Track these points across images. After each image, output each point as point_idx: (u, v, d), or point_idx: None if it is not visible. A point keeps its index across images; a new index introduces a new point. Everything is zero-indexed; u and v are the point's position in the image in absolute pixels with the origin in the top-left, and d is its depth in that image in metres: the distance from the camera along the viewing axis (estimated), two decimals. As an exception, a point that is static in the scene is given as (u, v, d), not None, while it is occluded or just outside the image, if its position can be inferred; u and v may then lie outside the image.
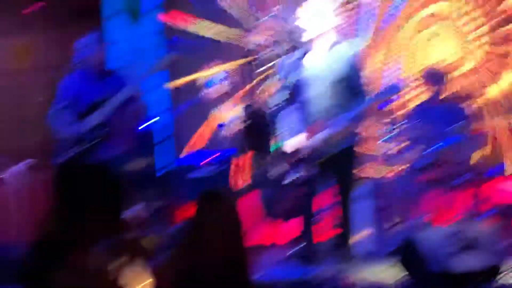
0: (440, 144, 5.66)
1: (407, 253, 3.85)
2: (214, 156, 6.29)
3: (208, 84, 5.87)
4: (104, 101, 4.86)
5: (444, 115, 5.85)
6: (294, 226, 5.01)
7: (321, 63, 4.42)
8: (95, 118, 4.85)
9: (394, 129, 5.61)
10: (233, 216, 2.57)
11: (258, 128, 5.92)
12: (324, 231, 5.40)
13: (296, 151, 4.34)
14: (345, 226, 4.53)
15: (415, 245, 3.74)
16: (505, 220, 5.56)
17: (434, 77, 5.94)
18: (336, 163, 4.39)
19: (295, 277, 4.43)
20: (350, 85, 4.35)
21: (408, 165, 5.80)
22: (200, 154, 6.55)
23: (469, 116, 5.96)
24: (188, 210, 2.41)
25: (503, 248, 4.74)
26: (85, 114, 4.88)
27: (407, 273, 3.86)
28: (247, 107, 6.26)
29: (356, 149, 4.56)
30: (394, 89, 4.19)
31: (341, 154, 4.38)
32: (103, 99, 4.87)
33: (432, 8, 6.83)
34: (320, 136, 4.27)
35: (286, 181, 4.29)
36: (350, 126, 4.29)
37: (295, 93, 4.44)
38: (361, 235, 5.41)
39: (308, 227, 4.52)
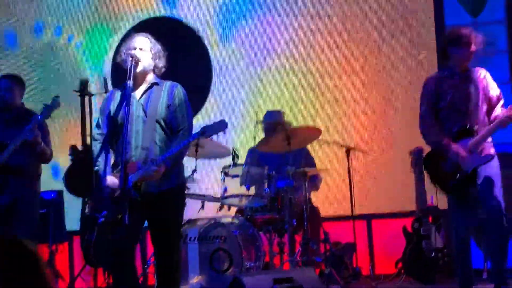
0: (278, 185, 5.64)
1: None
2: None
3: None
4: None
5: (281, 158, 5.87)
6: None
7: (141, 101, 4.26)
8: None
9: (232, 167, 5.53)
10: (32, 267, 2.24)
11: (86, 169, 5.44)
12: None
13: (113, 191, 4.06)
14: (174, 272, 4.30)
15: None
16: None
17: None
18: (158, 205, 4.18)
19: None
20: (169, 124, 4.22)
21: (244, 205, 5.73)
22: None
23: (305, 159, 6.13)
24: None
25: None
26: None
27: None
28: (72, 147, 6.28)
29: (183, 189, 4.45)
30: (222, 126, 4.08)
31: (164, 195, 4.18)
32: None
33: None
34: (134, 177, 4.04)
35: (100, 221, 4.10)
36: (169, 165, 4.09)
37: (112, 129, 4.23)
38: (192, 281, 5.30)
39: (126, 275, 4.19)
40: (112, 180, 4.13)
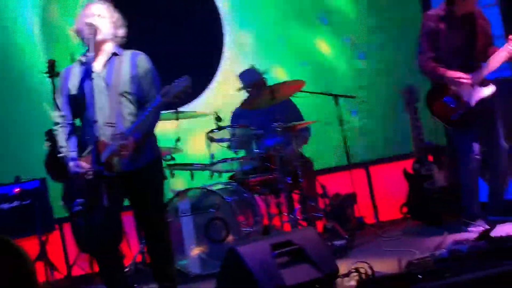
0: (267, 143, 5.41)
1: (229, 270, 3.41)
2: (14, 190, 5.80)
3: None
4: None
5: (266, 115, 5.63)
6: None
7: (101, 74, 3.96)
8: None
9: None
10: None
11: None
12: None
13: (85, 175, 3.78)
14: (165, 248, 4.11)
15: (238, 259, 3.28)
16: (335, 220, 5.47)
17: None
18: (136, 183, 3.96)
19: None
20: (135, 96, 3.95)
21: (235, 170, 5.49)
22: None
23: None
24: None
25: (335, 253, 4.70)
26: None
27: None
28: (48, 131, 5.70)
29: (159, 162, 4.17)
30: (183, 82, 3.74)
31: (141, 171, 3.95)
32: None
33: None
34: (105, 155, 3.77)
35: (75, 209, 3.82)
36: (138, 137, 3.82)
37: (74, 109, 3.94)
38: (189, 254, 5.09)
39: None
40: (81, 164, 3.84)
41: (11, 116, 6.58)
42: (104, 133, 3.86)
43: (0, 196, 5.86)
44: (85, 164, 3.81)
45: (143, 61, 4.01)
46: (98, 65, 3.99)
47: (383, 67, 7.00)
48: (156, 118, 3.94)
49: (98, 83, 3.91)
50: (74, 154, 3.88)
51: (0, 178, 6.08)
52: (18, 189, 5.88)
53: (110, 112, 3.89)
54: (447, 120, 4.89)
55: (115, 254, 4.04)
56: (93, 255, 4.10)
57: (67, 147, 3.92)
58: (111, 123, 3.87)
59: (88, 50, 3.90)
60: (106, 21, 3.99)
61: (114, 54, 4.01)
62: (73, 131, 3.96)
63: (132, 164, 3.91)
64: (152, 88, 3.97)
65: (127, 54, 4.04)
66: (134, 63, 3.98)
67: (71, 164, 3.85)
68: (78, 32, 4.00)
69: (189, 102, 6.52)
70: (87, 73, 3.87)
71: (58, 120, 4.00)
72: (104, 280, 4.08)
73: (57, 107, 4.04)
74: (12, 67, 6.70)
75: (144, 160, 3.97)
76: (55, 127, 4.01)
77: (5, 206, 5.88)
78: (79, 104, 3.92)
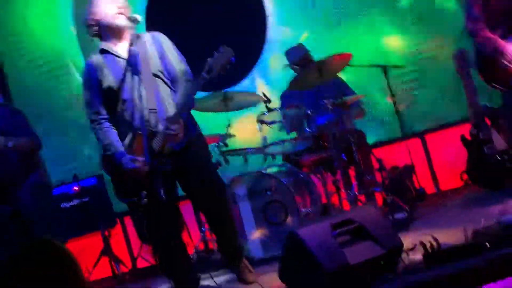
0: (318, 122, 5.29)
1: (291, 253, 3.33)
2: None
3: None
4: None
5: (316, 94, 5.56)
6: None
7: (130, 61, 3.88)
8: None
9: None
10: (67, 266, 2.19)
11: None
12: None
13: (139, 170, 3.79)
14: (229, 230, 4.14)
15: (299, 243, 3.20)
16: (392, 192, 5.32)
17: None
18: (183, 160, 3.88)
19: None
20: (168, 75, 3.88)
21: (288, 151, 5.38)
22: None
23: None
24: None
25: (397, 227, 4.57)
26: None
27: (293, 276, 3.35)
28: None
29: (201, 137, 4.08)
30: (226, 54, 3.65)
31: (186, 148, 3.88)
32: None
33: None
34: (156, 145, 3.72)
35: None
36: (185, 116, 3.78)
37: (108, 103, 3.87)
38: (250, 238, 5.02)
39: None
40: (135, 158, 3.82)
41: (67, 114, 6.69)
42: (148, 120, 3.80)
43: (60, 195, 5.97)
44: (140, 158, 3.79)
45: (165, 38, 3.96)
46: (123, 52, 3.91)
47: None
48: (194, 94, 3.82)
49: (128, 69, 3.84)
50: (122, 149, 3.85)
51: (59, 177, 6.20)
52: (77, 187, 5.97)
53: (149, 97, 3.79)
54: (503, 83, 4.70)
55: (178, 243, 4.04)
56: (156, 247, 4.10)
57: (111, 144, 3.87)
58: (153, 109, 3.80)
59: (109, 39, 3.87)
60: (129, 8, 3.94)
61: (135, 38, 3.91)
62: (111, 125, 3.91)
63: (179, 144, 3.85)
64: (181, 63, 3.91)
65: (147, 35, 3.97)
66: (158, 42, 3.92)
67: (123, 160, 3.83)
68: (110, 23, 3.88)
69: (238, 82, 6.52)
70: (115, 62, 3.83)
71: (94, 117, 3.91)
72: (168, 271, 4.09)
73: (88, 104, 3.94)
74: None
75: (188, 138, 3.90)
76: (92, 125, 3.93)
77: (67, 205, 5.99)
78: (112, 96, 3.85)
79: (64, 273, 2.20)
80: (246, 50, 6.74)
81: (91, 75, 3.90)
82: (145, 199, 3.75)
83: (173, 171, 3.87)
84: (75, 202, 5.98)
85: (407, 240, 3.56)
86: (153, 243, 4.24)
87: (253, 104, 5.60)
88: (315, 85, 5.34)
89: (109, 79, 3.86)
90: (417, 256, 3.37)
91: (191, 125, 3.96)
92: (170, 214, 3.91)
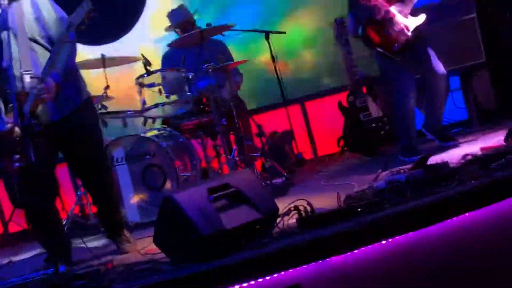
0: (199, 86, 5.24)
1: (167, 218, 3.30)
2: None
3: None
4: None
5: (197, 57, 5.32)
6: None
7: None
8: None
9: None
10: None
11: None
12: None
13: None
14: (108, 195, 4.09)
15: (175, 207, 3.19)
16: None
17: None
18: (67, 132, 3.82)
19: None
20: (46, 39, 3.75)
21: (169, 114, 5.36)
22: None
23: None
24: None
25: (275, 191, 4.69)
26: None
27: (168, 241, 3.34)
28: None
29: (90, 104, 4.01)
30: (84, 6, 3.52)
31: (70, 119, 3.81)
32: None
33: None
34: (27, 106, 3.56)
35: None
36: (58, 78, 3.64)
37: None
38: (127, 203, 4.99)
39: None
40: (5, 120, 3.65)
41: None
42: (24, 82, 3.65)
43: None
44: (8, 120, 3.63)
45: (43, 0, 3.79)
46: (10, 20, 3.73)
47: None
48: (71, 54, 3.73)
49: (4, 32, 3.70)
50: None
51: None
52: None
53: (23, 62, 3.67)
54: (390, 50, 4.84)
55: (50, 209, 3.92)
56: (28, 212, 3.95)
57: None
58: (27, 71, 3.66)
59: None
60: None
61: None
62: None
63: (59, 112, 3.76)
64: (59, 25, 3.75)
65: None
66: (35, 4, 3.76)
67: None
68: None
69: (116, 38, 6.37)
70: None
71: None
72: (40, 237, 3.97)
73: None
74: None
75: (71, 106, 3.82)
76: None
77: None
78: None
79: None
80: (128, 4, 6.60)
81: None
82: (17, 163, 3.58)
83: (56, 137, 3.78)
84: None
85: (284, 205, 3.61)
86: (26, 208, 4.06)
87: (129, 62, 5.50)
88: (196, 45, 5.26)
89: None
90: (292, 221, 3.42)
91: (73, 94, 3.85)
92: (43, 179, 3.76)
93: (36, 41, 3.74)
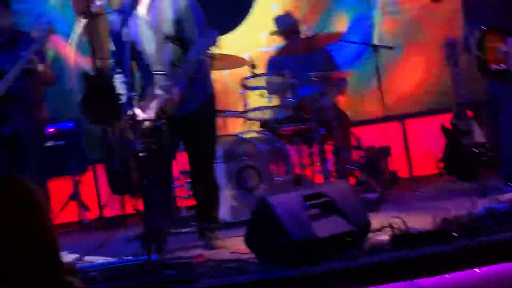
0: (301, 92, 5.23)
1: (259, 220, 3.34)
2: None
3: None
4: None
5: (302, 64, 5.49)
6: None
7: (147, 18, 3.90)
8: None
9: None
10: (30, 204, 2.10)
11: (104, 96, 5.44)
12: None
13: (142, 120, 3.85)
14: (211, 192, 4.20)
15: (268, 210, 3.21)
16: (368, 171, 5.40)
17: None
18: (189, 127, 4.00)
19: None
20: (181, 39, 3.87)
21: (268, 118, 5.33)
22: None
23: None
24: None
25: (367, 206, 4.49)
26: None
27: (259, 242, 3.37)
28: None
29: (211, 103, 4.13)
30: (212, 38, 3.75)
31: (193, 116, 3.97)
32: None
33: None
34: (153, 107, 3.78)
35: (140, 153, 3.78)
36: (183, 87, 3.80)
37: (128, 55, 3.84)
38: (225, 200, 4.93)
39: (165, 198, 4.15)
40: (136, 111, 3.86)
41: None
42: (156, 82, 3.87)
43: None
44: (139, 112, 3.84)
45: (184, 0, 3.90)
46: (142, 9, 3.92)
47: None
48: (202, 61, 3.91)
49: (144, 28, 3.88)
50: (133, 101, 3.90)
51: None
52: (53, 129, 5.88)
53: (159, 60, 3.87)
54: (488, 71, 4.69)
55: (167, 197, 4.19)
56: (145, 198, 4.12)
57: (125, 94, 3.90)
58: (160, 71, 3.87)
59: None
60: None
61: None
62: (129, 78, 3.91)
63: (185, 109, 3.91)
64: (195, 29, 3.88)
65: None
66: (175, 5, 3.88)
67: (132, 110, 3.86)
68: None
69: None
70: (134, 19, 3.86)
71: (114, 66, 4.02)
72: (148, 221, 4.09)
73: (113, 53, 4.09)
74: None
75: (196, 105, 3.98)
76: (113, 74, 4.00)
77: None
78: (133, 51, 3.89)
79: (25, 211, 2.13)
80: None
81: (114, 27, 3.99)
82: (142, 148, 3.78)
83: (178, 130, 3.97)
84: (50, 143, 5.87)
85: (376, 220, 3.58)
86: (143, 194, 4.27)
87: (237, 66, 5.56)
88: (303, 54, 5.29)
89: (128, 36, 3.86)
90: (384, 237, 3.38)
91: (199, 92, 3.99)
92: (163, 168, 3.93)
93: (171, 41, 3.88)
